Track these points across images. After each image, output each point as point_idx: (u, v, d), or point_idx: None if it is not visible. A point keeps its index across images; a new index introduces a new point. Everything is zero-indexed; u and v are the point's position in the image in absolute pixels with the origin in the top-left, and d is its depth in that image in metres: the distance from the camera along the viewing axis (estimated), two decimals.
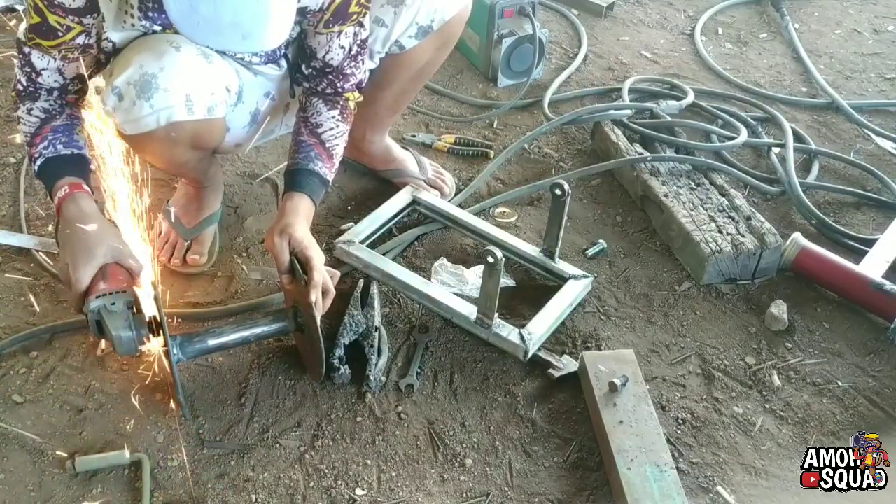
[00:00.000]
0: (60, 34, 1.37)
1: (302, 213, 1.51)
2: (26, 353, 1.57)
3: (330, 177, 1.58)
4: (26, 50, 1.41)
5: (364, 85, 1.65)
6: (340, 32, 1.52)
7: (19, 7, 2.65)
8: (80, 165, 1.46)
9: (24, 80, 1.45)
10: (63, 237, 1.40)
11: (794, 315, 1.74)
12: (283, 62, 1.63)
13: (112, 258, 1.38)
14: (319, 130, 1.58)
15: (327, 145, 1.58)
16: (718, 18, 2.86)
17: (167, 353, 1.38)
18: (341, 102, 1.61)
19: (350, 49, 1.55)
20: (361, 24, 1.54)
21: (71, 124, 1.48)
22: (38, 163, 1.44)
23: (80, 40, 1.40)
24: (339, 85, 1.59)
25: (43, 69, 1.43)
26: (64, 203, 1.41)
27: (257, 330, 1.50)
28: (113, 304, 1.33)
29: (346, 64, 1.57)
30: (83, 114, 1.53)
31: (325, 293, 1.46)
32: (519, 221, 1.96)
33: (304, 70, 1.60)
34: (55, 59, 1.42)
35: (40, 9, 1.34)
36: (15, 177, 1.98)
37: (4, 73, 2.32)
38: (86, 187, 1.44)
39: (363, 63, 1.61)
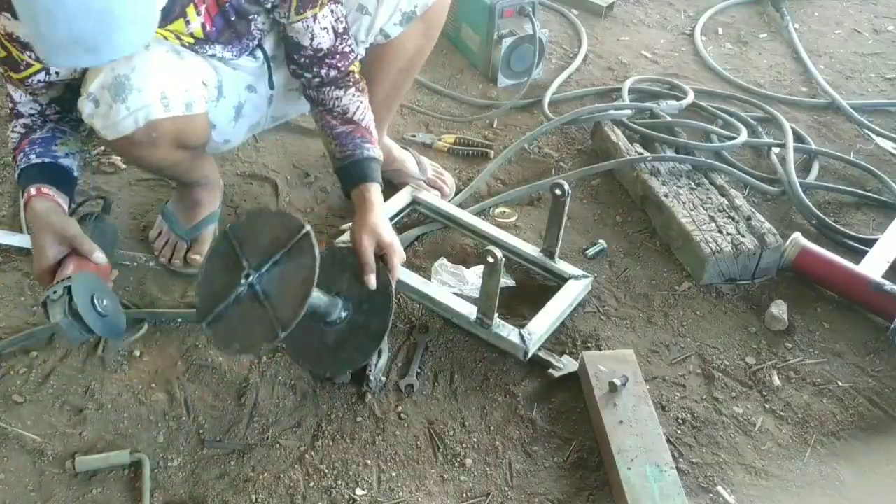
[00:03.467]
0: (22, 68, 1.40)
1: (379, 204, 1.53)
2: (26, 353, 1.57)
3: (380, 154, 1.61)
4: (2, 80, 1.47)
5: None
6: (315, 16, 1.51)
7: None
8: (51, 173, 1.48)
9: (10, 102, 1.52)
10: (39, 229, 1.43)
11: (794, 315, 1.74)
12: (259, 53, 1.62)
13: (68, 247, 1.41)
14: (349, 114, 1.59)
15: (363, 124, 1.60)
16: (718, 18, 2.86)
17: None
18: (352, 78, 1.62)
19: (335, 30, 1.56)
20: (337, 1, 1.56)
21: (52, 136, 1.51)
22: (17, 175, 1.50)
23: (41, 77, 1.42)
24: (341, 65, 1.60)
25: (17, 101, 1.50)
26: (25, 208, 1.46)
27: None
28: (54, 292, 1.32)
29: (338, 44, 1.58)
30: (69, 126, 1.56)
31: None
32: (519, 221, 1.96)
33: (299, 60, 1.59)
34: (25, 94, 1.48)
35: (2, 42, 1.36)
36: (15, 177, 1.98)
37: None
38: (46, 190, 1.45)
39: (353, 39, 1.64)
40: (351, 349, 1.45)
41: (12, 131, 1.52)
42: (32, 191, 1.45)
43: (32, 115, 1.51)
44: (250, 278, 1.25)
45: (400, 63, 1.78)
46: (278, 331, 1.21)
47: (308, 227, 1.26)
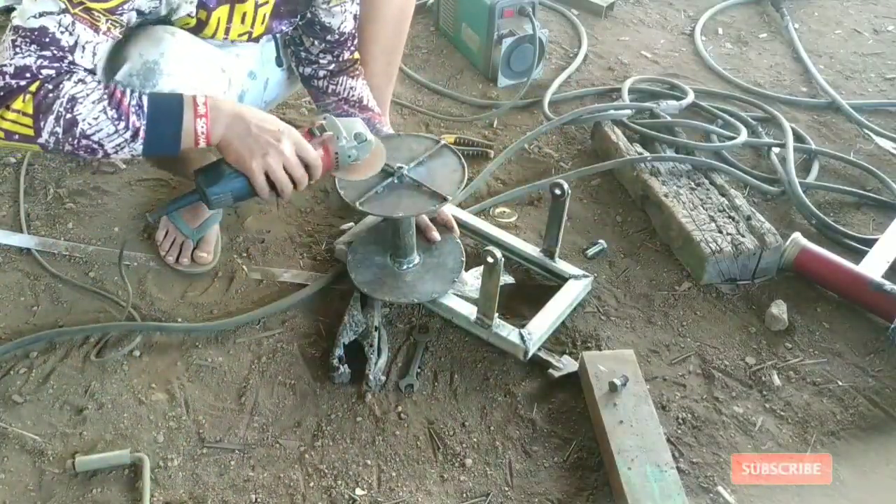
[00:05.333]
0: None
1: None
2: (26, 354, 1.57)
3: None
4: (64, 21, 1.21)
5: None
6: (354, 0, 1.60)
7: (19, 7, 2.64)
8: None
9: (43, 61, 1.21)
10: (254, 114, 1.36)
11: (794, 315, 1.74)
12: (273, 43, 1.65)
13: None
14: (365, 101, 1.70)
15: (376, 110, 1.72)
16: (718, 18, 2.86)
17: None
18: (358, 67, 1.70)
19: (355, 13, 1.63)
20: None
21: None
22: (142, 98, 1.28)
23: (142, 1, 1.27)
24: (352, 47, 1.67)
25: (87, 42, 1.23)
26: (216, 100, 1.33)
27: None
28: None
29: (354, 27, 1.65)
30: None
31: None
32: (519, 221, 1.96)
33: (318, 46, 1.63)
34: (97, 32, 1.24)
35: None
36: (15, 177, 1.98)
37: None
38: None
39: None
40: (433, 281, 1.67)
41: (80, 82, 1.23)
42: (201, 98, 1.31)
43: (92, 71, 1.27)
44: (403, 170, 1.55)
45: (387, 14, 1.77)
46: (445, 198, 1.53)
47: (444, 140, 1.64)
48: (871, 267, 1.79)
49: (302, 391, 1.55)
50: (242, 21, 1.45)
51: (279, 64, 1.69)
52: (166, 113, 1.29)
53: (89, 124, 1.24)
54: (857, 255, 1.85)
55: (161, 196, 1.94)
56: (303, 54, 1.66)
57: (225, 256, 1.81)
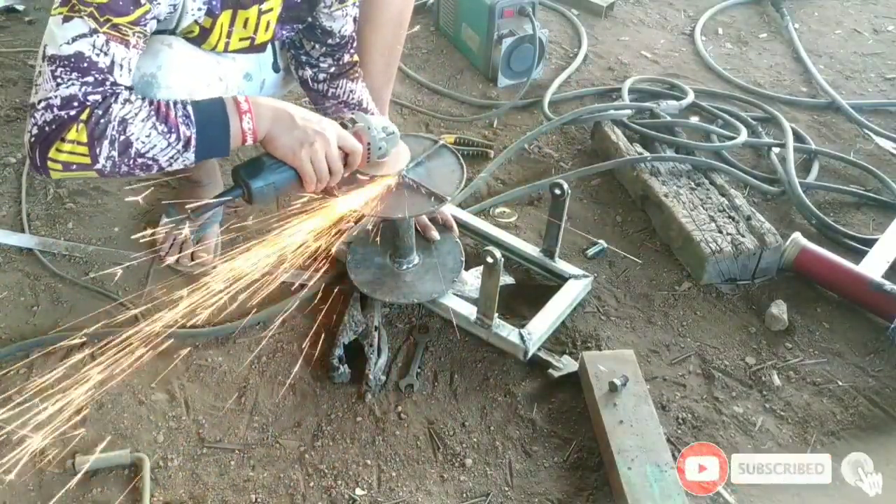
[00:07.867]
0: (132, 8, 1.21)
1: None
2: (26, 354, 1.57)
3: None
4: (98, 42, 1.20)
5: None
6: (354, 3, 1.59)
7: (20, 7, 2.65)
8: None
9: (87, 87, 1.21)
10: (294, 107, 1.37)
11: (794, 315, 1.74)
12: (269, 47, 1.64)
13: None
14: (364, 104, 1.69)
15: (376, 113, 1.72)
16: (718, 18, 2.86)
17: None
18: (357, 70, 1.70)
19: (355, 17, 1.63)
20: None
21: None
22: (187, 107, 1.28)
23: (158, 11, 1.26)
24: (352, 49, 1.67)
25: (121, 59, 1.23)
26: (255, 97, 1.34)
27: None
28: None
29: (354, 30, 1.65)
30: None
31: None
32: (519, 221, 1.96)
33: (319, 49, 1.63)
34: (128, 47, 1.23)
35: None
36: (16, 177, 1.98)
37: (5, 73, 2.32)
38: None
39: None
40: (433, 281, 1.67)
41: (127, 102, 1.23)
42: (241, 97, 1.31)
43: (131, 87, 1.27)
44: (402, 170, 1.54)
45: (388, 14, 1.76)
46: (445, 198, 1.53)
47: (442, 140, 1.66)
48: (871, 267, 1.79)
49: (302, 391, 1.55)
50: (245, 26, 1.45)
51: (276, 70, 1.69)
52: (212, 117, 1.29)
53: (143, 143, 1.24)
54: (857, 255, 1.85)
55: (161, 196, 1.94)
56: (303, 58, 1.66)
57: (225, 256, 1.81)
